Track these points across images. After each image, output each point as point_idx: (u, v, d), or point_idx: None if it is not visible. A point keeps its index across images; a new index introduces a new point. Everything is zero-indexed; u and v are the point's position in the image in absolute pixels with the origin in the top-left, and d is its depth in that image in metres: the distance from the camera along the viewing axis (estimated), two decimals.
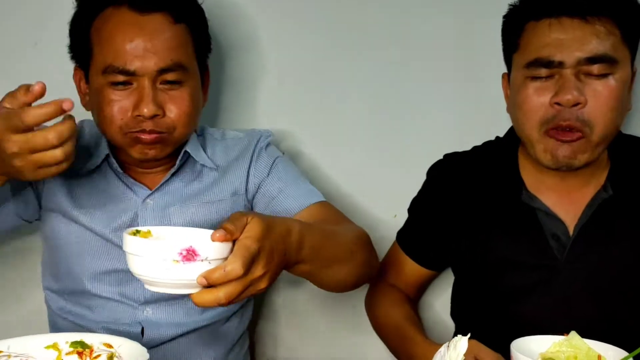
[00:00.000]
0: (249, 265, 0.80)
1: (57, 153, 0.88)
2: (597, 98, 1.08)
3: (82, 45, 1.16)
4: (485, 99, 1.47)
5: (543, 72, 1.11)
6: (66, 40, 1.40)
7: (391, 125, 1.51)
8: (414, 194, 1.35)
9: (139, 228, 0.86)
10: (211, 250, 0.78)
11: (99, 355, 0.85)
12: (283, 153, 1.34)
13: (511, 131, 1.24)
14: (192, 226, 1.20)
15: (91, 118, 1.22)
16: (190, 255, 0.76)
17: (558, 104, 1.09)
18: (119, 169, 1.20)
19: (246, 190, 1.27)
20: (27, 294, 1.46)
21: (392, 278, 1.36)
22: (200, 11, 1.21)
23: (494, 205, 1.22)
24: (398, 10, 1.48)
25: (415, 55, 1.49)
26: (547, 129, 1.11)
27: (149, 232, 0.87)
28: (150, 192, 1.21)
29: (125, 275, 1.18)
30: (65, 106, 0.88)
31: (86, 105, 1.21)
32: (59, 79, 1.40)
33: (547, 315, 1.15)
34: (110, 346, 0.86)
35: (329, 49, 1.49)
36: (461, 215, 1.25)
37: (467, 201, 1.25)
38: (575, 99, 1.08)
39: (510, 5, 1.20)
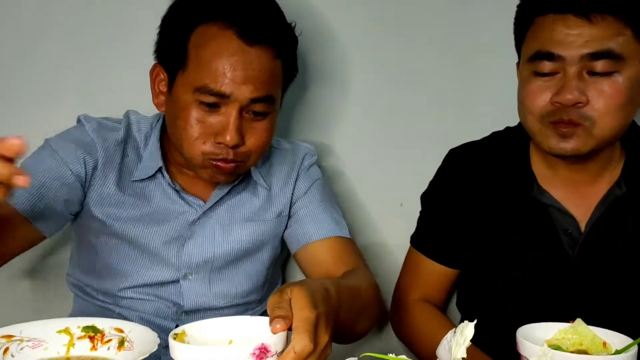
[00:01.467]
0: (314, 337, 0.79)
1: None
2: (601, 97, 1.07)
3: (175, 52, 1.12)
4: (489, 92, 1.47)
5: (546, 66, 1.09)
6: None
7: (396, 118, 1.50)
8: (420, 183, 1.34)
9: (176, 331, 0.82)
10: (279, 342, 0.77)
11: (110, 340, 0.86)
12: (323, 174, 1.34)
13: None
14: (234, 244, 1.22)
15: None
16: (262, 353, 0.76)
17: (558, 102, 1.08)
18: (170, 181, 1.19)
19: (289, 211, 1.28)
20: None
21: (416, 291, 1.31)
22: (295, 46, 1.20)
23: (505, 200, 1.22)
24: (394, 15, 1.47)
25: (417, 47, 1.48)
26: (549, 122, 1.10)
27: (183, 332, 0.83)
28: (207, 206, 1.21)
29: (162, 286, 1.20)
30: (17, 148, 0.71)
31: (159, 105, 1.18)
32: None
33: (556, 308, 1.15)
34: (121, 331, 0.87)
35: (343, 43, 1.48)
36: (473, 209, 1.24)
37: (478, 195, 1.24)
38: (575, 99, 1.07)
39: None
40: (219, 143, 1.10)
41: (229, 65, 1.08)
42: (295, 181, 1.28)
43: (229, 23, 1.09)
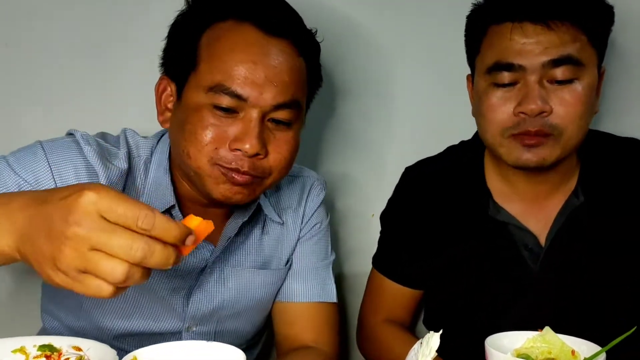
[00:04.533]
0: None
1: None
2: (563, 106, 1.06)
3: (185, 55, 0.99)
4: (458, 103, 1.46)
5: (506, 77, 1.07)
6: (38, 40, 1.38)
7: (367, 129, 1.49)
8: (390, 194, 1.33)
9: (127, 357, 0.78)
10: None
11: (67, 359, 0.83)
12: (328, 215, 1.26)
13: (477, 137, 1.21)
14: (245, 292, 1.11)
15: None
16: None
17: (523, 113, 1.06)
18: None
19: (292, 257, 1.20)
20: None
21: (381, 313, 1.29)
22: (318, 48, 1.08)
23: (462, 217, 1.20)
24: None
25: (393, 59, 1.48)
26: (512, 134, 1.08)
27: (134, 358, 0.79)
28: (218, 250, 1.08)
29: (162, 337, 1.08)
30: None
31: (164, 122, 1.04)
32: (28, 80, 1.40)
33: (523, 320, 1.12)
34: (79, 349, 0.84)
35: None
36: (431, 227, 1.22)
37: (435, 213, 1.22)
38: (539, 108, 1.05)
39: (474, 4, 1.16)
40: (235, 150, 0.95)
41: (245, 59, 0.94)
42: (302, 219, 1.18)
43: (245, 18, 0.97)
